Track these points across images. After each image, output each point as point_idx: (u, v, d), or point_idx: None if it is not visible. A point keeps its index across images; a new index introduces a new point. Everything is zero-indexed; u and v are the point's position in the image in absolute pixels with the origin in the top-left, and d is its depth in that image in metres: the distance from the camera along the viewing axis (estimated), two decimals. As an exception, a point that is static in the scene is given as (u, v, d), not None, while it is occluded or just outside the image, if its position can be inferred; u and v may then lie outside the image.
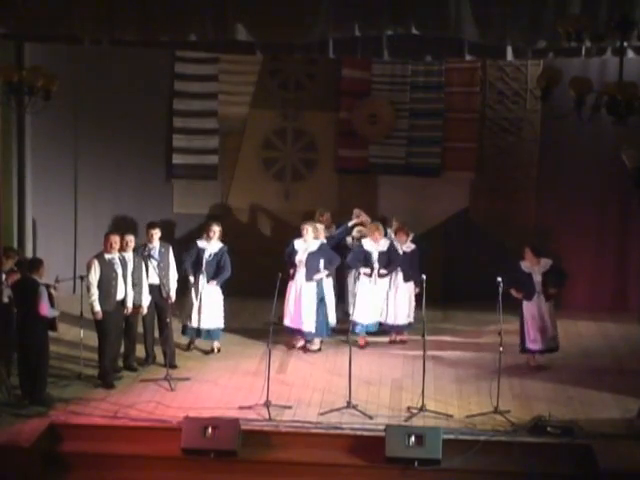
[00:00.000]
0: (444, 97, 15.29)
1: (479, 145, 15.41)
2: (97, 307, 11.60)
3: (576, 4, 10.84)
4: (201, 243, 12.95)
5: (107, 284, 11.64)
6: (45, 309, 11.00)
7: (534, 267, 12.48)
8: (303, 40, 11.62)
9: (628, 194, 14.16)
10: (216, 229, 12.96)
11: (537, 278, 12.45)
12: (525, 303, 12.48)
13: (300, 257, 13.00)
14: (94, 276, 11.60)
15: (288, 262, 13.10)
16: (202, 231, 13.36)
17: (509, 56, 11.91)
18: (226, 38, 11.46)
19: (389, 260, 13.28)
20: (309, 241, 13.05)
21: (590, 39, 10.14)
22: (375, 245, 13.28)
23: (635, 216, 14.67)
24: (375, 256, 13.24)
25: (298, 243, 13.09)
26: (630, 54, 11.36)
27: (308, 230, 13.05)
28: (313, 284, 12.96)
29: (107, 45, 12.23)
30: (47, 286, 11.23)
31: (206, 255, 12.87)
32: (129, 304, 11.92)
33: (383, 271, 13.23)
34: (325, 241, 13.22)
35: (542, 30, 11.05)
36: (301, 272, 13.00)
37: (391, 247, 13.34)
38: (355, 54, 12.27)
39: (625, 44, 10.07)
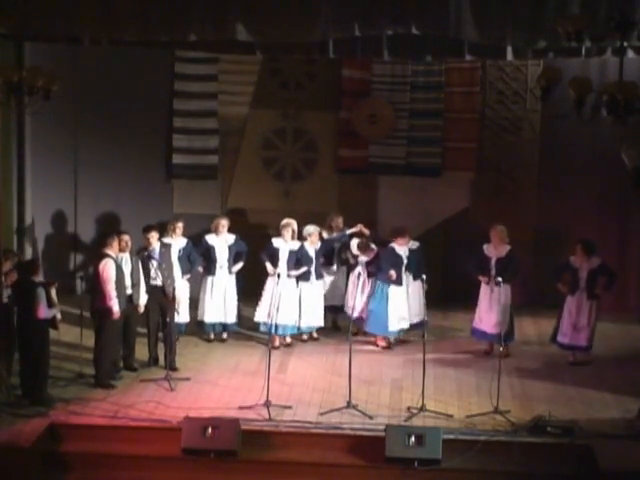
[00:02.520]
0: (444, 97, 15.29)
1: (479, 145, 15.41)
2: (117, 306, 11.53)
3: (576, 4, 10.84)
4: (167, 240, 13.04)
5: (119, 283, 11.61)
6: (42, 312, 10.92)
7: (582, 264, 12.58)
8: (303, 40, 11.63)
9: (628, 194, 14.15)
10: (180, 225, 13.16)
11: (582, 275, 12.57)
12: (568, 297, 12.65)
13: (220, 252, 13.31)
14: (112, 275, 11.53)
15: (207, 259, 13.41)
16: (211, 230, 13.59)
17: (509, 56, 11.91)
18: (226, 38, 11.46)
19: (504, 268, 12.79)
20: (225, 235, 13.37)
21: (590, 39, 10.16)
22: (495, 251, 12.95)
23: (635, 216, 14.68)
24: (493, 262, 12.92)
25: (212, 239, 13.35)
26: (630, 54, 11.36)
27: (224, 225, 13.36)
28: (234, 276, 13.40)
29: (107, 45, 12.24)
30: (47, 285, 11.19)
31: (174, 251, 12.99)
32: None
33: (499, 279, 12.59)
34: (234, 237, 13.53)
35: (542, 30, 11.05)
36: (224, 267, 13.31)
37: (510, 255, 12.90)
38: (355, 54, 12.27)
39: (625, 44, 10.07)
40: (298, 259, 13.29)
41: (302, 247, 13.34)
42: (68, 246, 15.61)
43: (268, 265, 13.31)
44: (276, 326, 12.91)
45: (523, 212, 15.22)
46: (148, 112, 15.30)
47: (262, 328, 13.34)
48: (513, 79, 15.26)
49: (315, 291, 13.51)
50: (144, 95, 15.19)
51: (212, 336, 13.58)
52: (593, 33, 9.89)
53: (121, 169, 15.35)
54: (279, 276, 12.81)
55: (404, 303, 13.23)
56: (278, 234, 13.47)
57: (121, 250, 11.91)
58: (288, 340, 13.41)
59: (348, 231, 13.77)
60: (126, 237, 12.09)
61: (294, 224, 13.40)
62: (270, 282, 13.24)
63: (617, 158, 9.90)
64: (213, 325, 13.54)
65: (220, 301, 13.42)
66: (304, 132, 15.65)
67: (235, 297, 13.53)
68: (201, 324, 13.55)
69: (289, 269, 13.27)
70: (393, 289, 13.19)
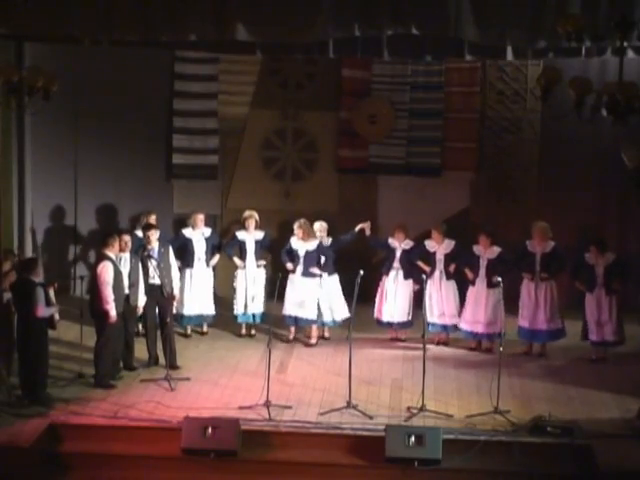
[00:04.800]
0: (444, 97, 15.30)
1: (479, 145, 15.42)
2: (114, 311, 11.49)
3: (576, 4, 10.84)
4: (139, 233, 13.15)
5: (117, 285, 11.59)
6: (41, 311, 10.89)
7: (598, 260, 12.71)
8: (303, 40, 11.63)
9: (628, 194, 14.17)
10: (153, 217, 13.32)
11: (599, 271, 12.72)
12: (587, 295, 12.79)
13: (198, 245, 13.54)
14: (110, 278, 11.48)
15: (184, 252, 13.57)
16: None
17: (509, 56, 11.93)
18: (226, 38, 11.46)
19: (549, 263, 12.83)
20: (202, 229, 13.64)
21: (590, 39, 10.16)
22: (538, 247, 12.95)
23: (634, 216, 14.68)
24: (537, 258, 12.91)
25: (189, 232, 13.60)
26: (630, 54, 11.37)
27: (202, 219, 13.62)
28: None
29: (107, 45, 12.24)
30: (46, 284, 11.18)
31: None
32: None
33: (544, 275, 12.79)
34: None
35: (542, 30, 11.05)
36: (202, 259, 13.57)
37: (555, 250, 12.90)
38: (355, 54, 12.29)
39: (625, 44, 10.07)
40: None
41: (266, 236, 13.70)
42: (69, 246, 15.62)
43: (236, 259, 13.63)
44: (253, 316, 13.39)
45: (523, 212, 15.22)
46: (148, 112, 15.32)
47: (240, 319, 13.70)
48: (513, 79, 15.27)
49: (308, 285, 13.43)
50: (144, 95, 15.20)
51: (189, 330, 13.72)
52: (593, 33, 9.89)
53: (121, 169, 15.37)
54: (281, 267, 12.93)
55: (480, 304, 13.12)
56: (243, 227, 13.76)
57: (121, 250, 11.90)
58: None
59: (356, 228, 13.66)
60: (126, 237, 12.09)
61: (256, 215, 13.69)
62: (240, 275, 13.60)
63: (617, 158, 9.90)
64: (191, 318, 13.67)
65: (198, 294, 13.57)
66: (304, 132, 15.66)
67: (212, 290, 13.72)
68: (179, 317, 13.55)
69: (257, 259, 13.63)
70: (469, 289, 13.18)
